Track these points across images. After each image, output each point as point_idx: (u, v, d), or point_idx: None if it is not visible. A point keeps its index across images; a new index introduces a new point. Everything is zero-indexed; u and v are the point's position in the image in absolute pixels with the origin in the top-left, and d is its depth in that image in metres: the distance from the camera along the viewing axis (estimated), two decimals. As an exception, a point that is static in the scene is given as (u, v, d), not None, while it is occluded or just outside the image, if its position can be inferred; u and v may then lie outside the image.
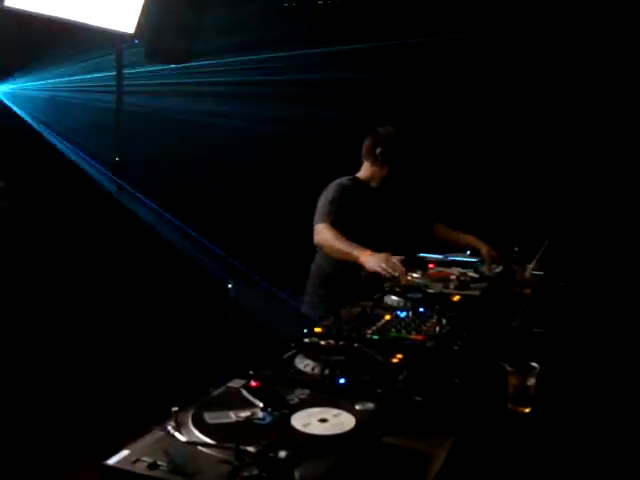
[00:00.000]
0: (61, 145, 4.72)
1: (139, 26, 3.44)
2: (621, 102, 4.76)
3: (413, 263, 3.19)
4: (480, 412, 1.73)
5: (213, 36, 4.56)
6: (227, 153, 5.19)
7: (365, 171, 3.48)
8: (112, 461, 1.19)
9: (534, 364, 1.86)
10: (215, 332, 4.76)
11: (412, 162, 3.55)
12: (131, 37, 3.47)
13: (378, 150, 3.39)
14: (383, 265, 2.80)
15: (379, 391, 1.52)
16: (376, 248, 2.96)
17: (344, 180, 3.39)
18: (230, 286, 4.52)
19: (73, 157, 4.76)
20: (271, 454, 1.14)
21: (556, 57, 4.84)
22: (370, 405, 1.42)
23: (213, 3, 4.45)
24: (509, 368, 1.86)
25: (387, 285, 2.73)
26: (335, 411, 1.38)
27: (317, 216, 3.19)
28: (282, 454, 1.13)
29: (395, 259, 2.83)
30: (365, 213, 3.34)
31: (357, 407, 1.41)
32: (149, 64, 4.18)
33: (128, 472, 1.16)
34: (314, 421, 1.34)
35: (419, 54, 5.09)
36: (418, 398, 1.59)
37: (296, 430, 1.30)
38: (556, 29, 4.77)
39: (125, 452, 1.22)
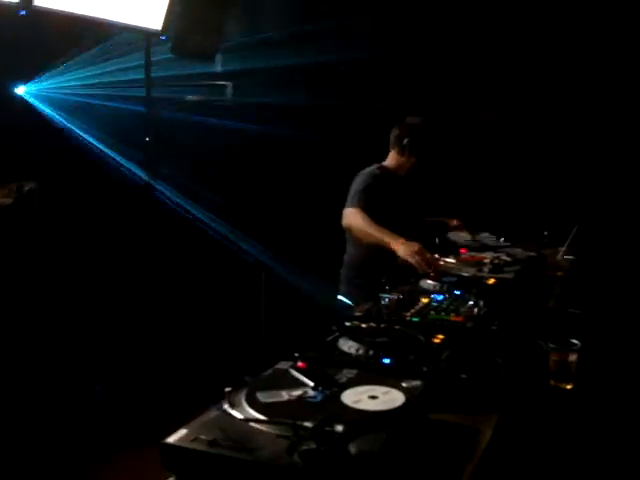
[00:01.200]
0: (90, 144, 4.77)
1: (166, 22, 3.49)
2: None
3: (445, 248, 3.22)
4: (523, 389, 1.75)
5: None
6: (259, 140, 5.21)
7: (392, 160, 3.50)
8: (172, 439, 1.21)
9: (575, 341, 1.88)
10: (251, 321, 4.81)
11: (439, 154, 3.56)
12: (159, 34, 3.52)
13: (405, 140, 3.40)
14: (417, 258, 2.82)
15: (424, 369, 1.55)
16: (404, 236, 2.99)
17: (374, 169, 3.42)
18: (264, 275, 4.55)
19: (102, 155, 4.80)
20: (327, 428, 1.17)
21: (572, 42, 4.82)
22: (417, 382, 1.44)
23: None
24: (551, 345, 1.87)
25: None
26: (384, 389, 1.41)
27: (348, 202, 3.24)
28: (339, 428, 1.16)
29: (428, 254, 2.85)
30: (394, 201, 3.37)
31: (404, 385, 1.43)
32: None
33: (188, 449, 1.19)
34: (364, 398, 1.36)
35: (446, 44, 5.09)
36: (463, 376, 1.62)
37: (348, 406, 1.33)
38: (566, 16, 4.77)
39: (183, 431, 1.24)
